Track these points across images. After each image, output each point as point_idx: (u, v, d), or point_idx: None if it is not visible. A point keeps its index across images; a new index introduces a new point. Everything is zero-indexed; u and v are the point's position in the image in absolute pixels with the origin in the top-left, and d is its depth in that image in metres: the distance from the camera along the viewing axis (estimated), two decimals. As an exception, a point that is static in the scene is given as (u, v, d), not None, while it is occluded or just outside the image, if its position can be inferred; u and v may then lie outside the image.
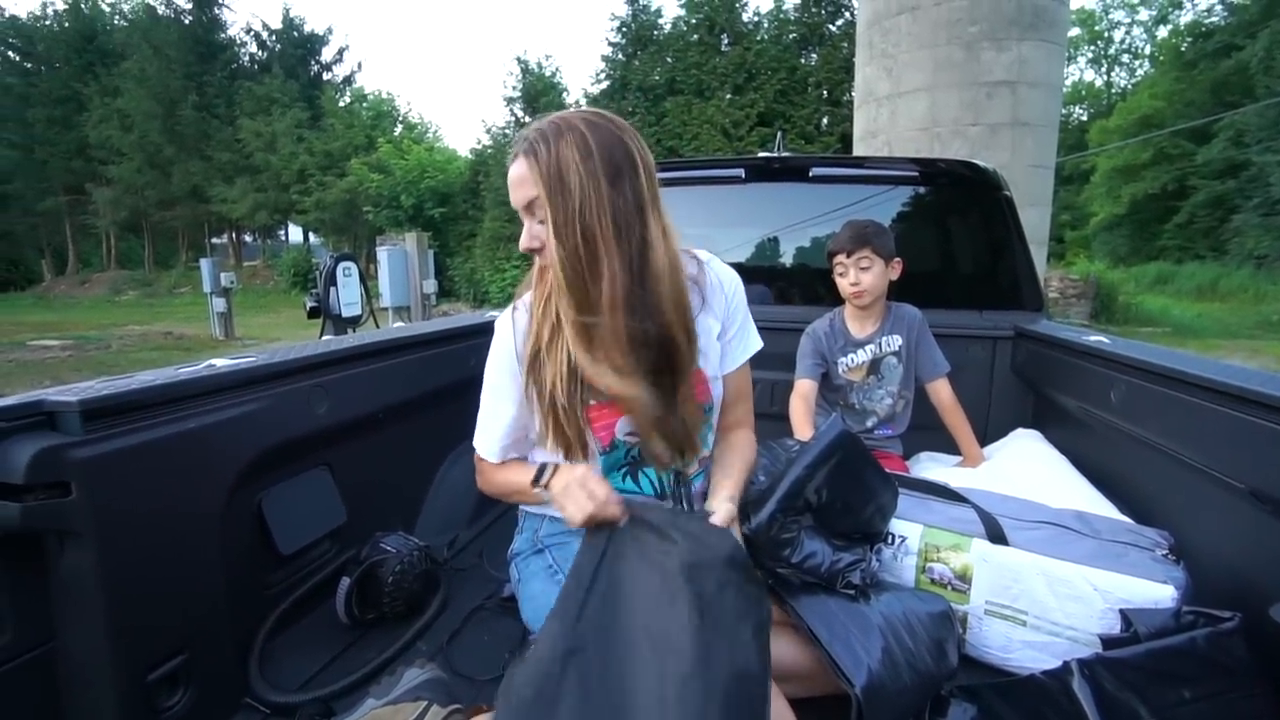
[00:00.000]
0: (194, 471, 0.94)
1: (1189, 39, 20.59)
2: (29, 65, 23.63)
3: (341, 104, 21.05)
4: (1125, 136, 19.76)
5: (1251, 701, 0.80)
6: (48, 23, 23.95)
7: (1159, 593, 0.96)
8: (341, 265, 5.57)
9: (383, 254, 7.69)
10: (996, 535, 1.11)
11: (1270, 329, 11.05)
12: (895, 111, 6.77)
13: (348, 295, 5.54)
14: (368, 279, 6.25)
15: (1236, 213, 16.66)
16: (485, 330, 1.77)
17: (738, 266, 2.17)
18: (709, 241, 2.24)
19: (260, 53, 22.26)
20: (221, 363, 1.04)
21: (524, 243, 0.87)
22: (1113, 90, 28.29)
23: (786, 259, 2.23)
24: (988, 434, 1.81)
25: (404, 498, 1.60)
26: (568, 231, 0.81)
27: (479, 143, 18.42)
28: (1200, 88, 18.91)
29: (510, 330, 0.98)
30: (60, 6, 24.01)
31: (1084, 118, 27.37)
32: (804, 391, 1.69)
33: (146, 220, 23.62)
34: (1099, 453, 1.48)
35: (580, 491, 0.85)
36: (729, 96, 13.05)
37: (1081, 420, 1.53)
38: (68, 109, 22.58)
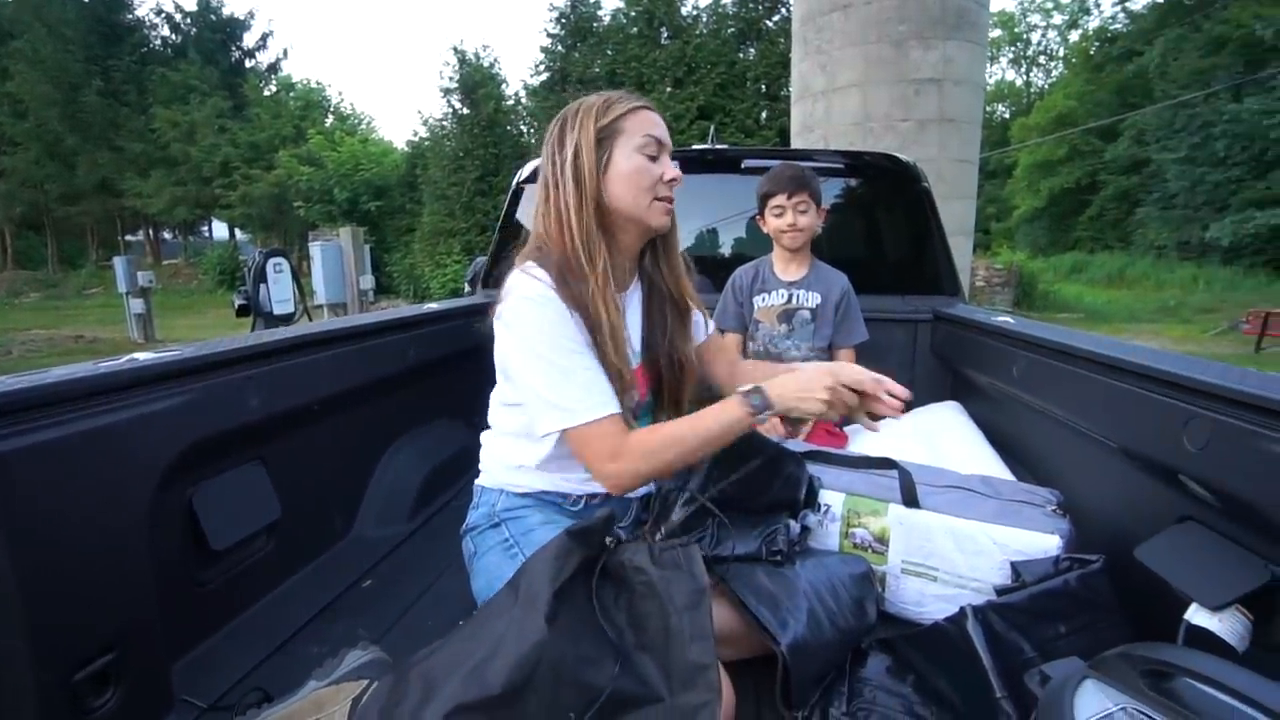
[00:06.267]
0: (116, 467, 0.91)
1: (1097, 43, 22.03)
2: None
3: (267, 93, 20.04)
4: (1043, 134, 21.00)
5: (1114, 630, 0.91)
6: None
7: (1047, 543, 1.07)
8: (272, 261, 5.34)
9: (316, 250, 7.41)
10: (911, 499, 1.21)
11: (1168, 313, 12.03)
12: (830, 107, 6.97)
13: (279, 292, 5.32)
14: (301, 276, 6.01)
15: (1140, 206, 18.00)
16: (422, 322, 1.77)
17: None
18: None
19: (174, 36, 20.91)
20: (144, 356, 1.02)
21: (676, 173, 1.01)
22: (1031, 89, 29.98)
23: (725, 249, 2.30)
24: (910, 410, 1.93)
25: (343, 491, 1.58)
26: None
27: (415, 135, 17.92)
28: (1107, 89, 20.30)
29: (559, 304, 0.93)
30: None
31: (1006, 115, 28.90)
32: (725, 344, 1.66)
33: (49, 216, 21.83)
34: (1005, 422, 1.61)
35: (822, 378, 0.90)
36: (669, 90, 13.12)
37: (990, 394, 1.66)
38: (-54, 92, 20.62)
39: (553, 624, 0.77)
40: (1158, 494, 1.00)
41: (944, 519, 1.17)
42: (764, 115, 13.23)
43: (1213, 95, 15.04)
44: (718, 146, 2.24)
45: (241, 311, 5.30)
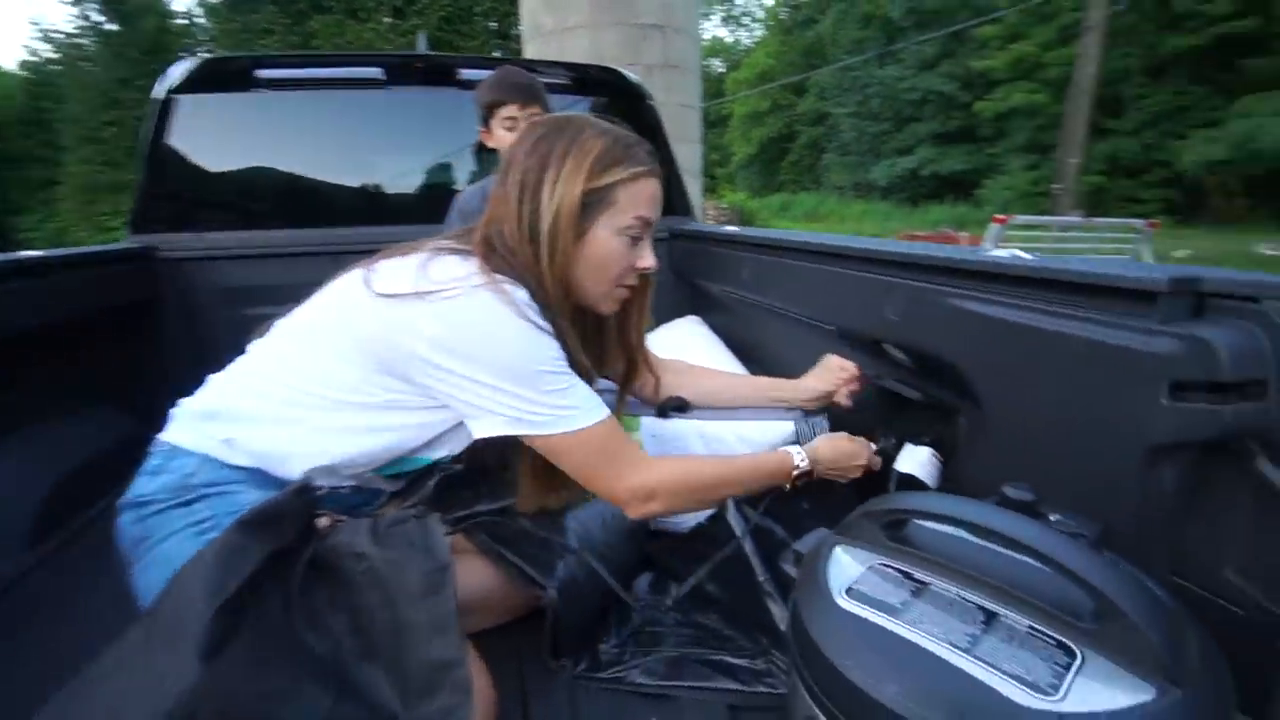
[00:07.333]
0: None
1: (786, 8, 25.32)
2: None
3: None
4: (750, 88, 23.77)
5: (843, 495, 0.98)
6: None
7: (784, 429, 1.12)
8: None
9: None
10: (663, 411, 1.17)
11: (851, 241, 14.83)
12: (563, 47, 6.81)
13: None
14: None
15: (825, 153, 21.64)
16: (22, 273, 1.23)
17: (382, 187, 1.94)
18: (348, 157, 1.92)
19: None
20: None
21: (653, 262, 0.85)
22: (740, 47, 33.53)
23: (444, 172, 2.03)
24: (652, 330, 1.94)
25: None
26: None
27: (36, 55, 13.37)
28: (797, 50, 23.60)
29: (534, 320, 0.77)
30: None
31: (722, 70, 31.96)
32: None
33: None
34: (741, 327, 1.69)
35: (861, 449, 0.92)
36: (388, 21, 11.71)
37: (727, 302, 1.73)
38: None
39: (216, 658, 0.54)
40: (869, 366, 1.09)
41: (694, 424, 1.16)
42: (497, 54, 12.61)
43: (867, 61, 18.48)
44: (428, 54, 1.94)
45: None
